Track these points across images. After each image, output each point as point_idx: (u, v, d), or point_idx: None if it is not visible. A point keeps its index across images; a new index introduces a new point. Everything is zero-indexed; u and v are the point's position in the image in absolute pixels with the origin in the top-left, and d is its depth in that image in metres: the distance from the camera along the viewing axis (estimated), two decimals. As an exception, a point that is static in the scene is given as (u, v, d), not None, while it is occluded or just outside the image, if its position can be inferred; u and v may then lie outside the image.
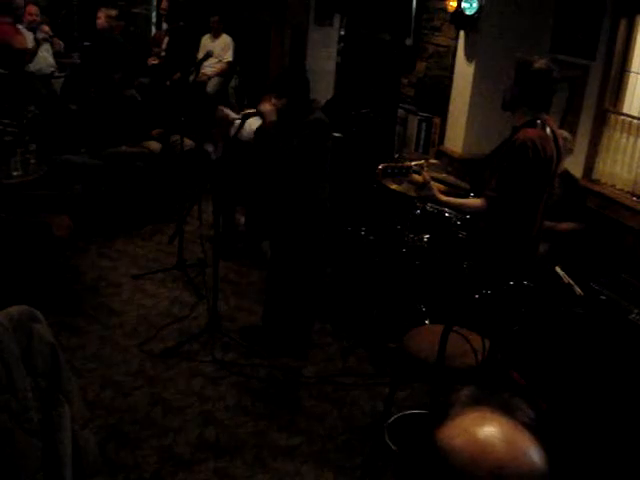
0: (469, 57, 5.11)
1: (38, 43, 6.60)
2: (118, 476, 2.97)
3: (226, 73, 7.90)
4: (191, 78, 6.23)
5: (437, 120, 5.63)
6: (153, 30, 9.90)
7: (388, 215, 4.63)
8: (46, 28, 7.06)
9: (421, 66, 6.03)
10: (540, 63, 3.13)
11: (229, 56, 7.88)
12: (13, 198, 4.42)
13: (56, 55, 7.00)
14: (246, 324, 4.35)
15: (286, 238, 4.00)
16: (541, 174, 3.18)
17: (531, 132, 3.13)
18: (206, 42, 7.87)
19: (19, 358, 2.13)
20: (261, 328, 4.19)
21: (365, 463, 3.16)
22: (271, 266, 4.14)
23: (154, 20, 9.99)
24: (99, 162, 5.48)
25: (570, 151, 4.14)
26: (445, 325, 2.66)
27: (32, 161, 4.67)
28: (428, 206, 4.16)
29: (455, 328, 2.69)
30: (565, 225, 4.07)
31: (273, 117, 3.82)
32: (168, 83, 7.55)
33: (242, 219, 5.62)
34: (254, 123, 4.49)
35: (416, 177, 3.33)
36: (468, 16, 4.90)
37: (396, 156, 5.14)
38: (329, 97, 6.51)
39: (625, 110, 4.35)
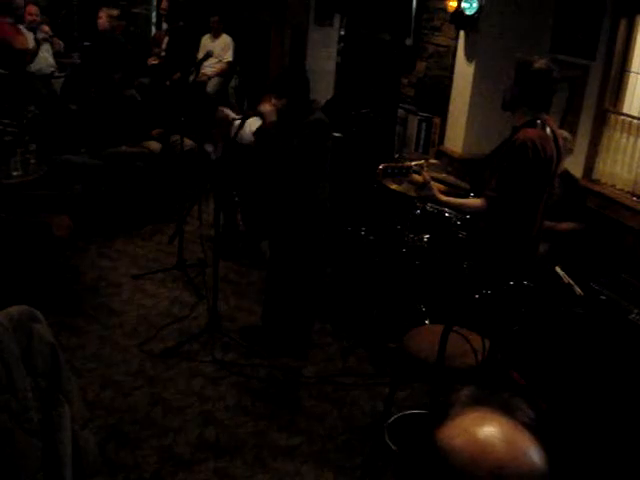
0: (469, 57, 5.11)
1: (38, 43, 6.60)
2: (118, 476, 2.97)
3: (226, 73, 7.90)
4: (191, 78, 6.24)
5: (437, 120, 5.63)
6: (153, 30, 9.90)
7: (388, 215, 4.63)
8: (46, 28, 7.06)
9: (421, 66, 6.03)
10: (540, 63, 3.14)
11: (229, 56, 7.88)
12: (13, 198, 4.42)
13: (56, 55, 7.00)
14: (246, 324, 4.35)
15: (286, 238, 4.00)
16: (541, 174, 3.18)
17: (531, 132, 3.13)
18: (206, 42, 7.87)
19: (19, 358, 2.13)
20: (261, 328, 4.19)
21: (365, 463, 3.16)
22: (270, 266, 4.14)
23: (154, 20, 9.99)
24: (99, 162, 5.48)
25: (570, 151, 4.14)
26: (445, 325, 2.66)
27: (32, 161, 4.67)
28: (428, 206, 4.16)
29: (455, 328, 2.69)
30: (565, 225, 4.07)
31: (273, 117, 3.82)
32: (168, 83, 7.54)
33: (239, 217, 5.62)
34: (254, 123, 4.49)
35: (416, 177, 3.33)
36: (468, 16, 4.90)
37: (396, 156, 5.14)
38: (329, 97, 6.51)
39: (625, 110, 4.35)
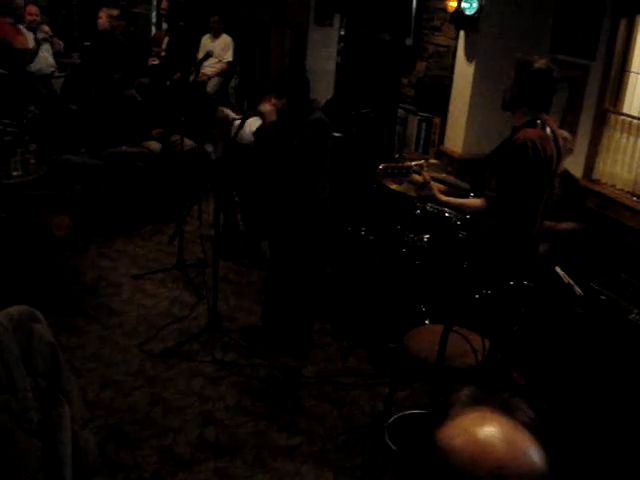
0: (469, 57, 5.11)
1: (38, 43, 6.61)
2: (118, 476, 2.97)
3: (226, 73, 7.90)
4: (191, 78, 6.23)
5: (437, 120, 5.63)
6: (153, 30, 9.91)
7: (388, 215, 4.63)
8: (46, 28, 7.06)
9: (421, 66, 6.03)
10: (540, 63, 3.14)
11: (229, 56, 7.88)
12: (13, 198, 4.42)
13: (56, 55, 7.00)
14: (246, 324, 4.35)
15: (286, 238, 4.00)
16: (541, 174, 3.18)
17: (531, 132, 3.13)
18: (206, 42, 7.87)
19: (19, 358, 2.13)
20: (261, 328, 4.19)
21: (365, 463, 3.16)
22: (270, 266, 4.14)
23: (154, 20, 9.99)
24: (99, 162, 5.48)
25: (570, 151, 4.14)
26: (445, 325, 2.66)
27: (32, 161, 4.67)
28: (428, 206, 4.16)
29: (455, 328, 2.69)
30: (565, 225, 4.07)
31: (273, 117, 3.82)
32: (168, 83, 7.54)
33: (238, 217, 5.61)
34: (254, 123, 4.49)
35: (416, 177, 3.33)
36: (468, 16, 4.90)
37: (396, 156, 5.15)
38: (329, 97, 6.51)
39: (625, 110, 4.35)
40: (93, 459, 2.41)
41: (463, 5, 4.89)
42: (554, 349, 3.04)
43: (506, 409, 0.92)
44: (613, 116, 4.41)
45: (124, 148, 5.68)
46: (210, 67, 7.65)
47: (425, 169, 3.36)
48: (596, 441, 2.79)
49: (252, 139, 4.65)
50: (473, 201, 3.43)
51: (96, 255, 5.15)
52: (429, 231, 4.18)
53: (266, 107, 3.85)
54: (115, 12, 7.10)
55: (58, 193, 4.90)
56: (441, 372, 2.68)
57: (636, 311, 3.03)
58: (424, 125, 5.72)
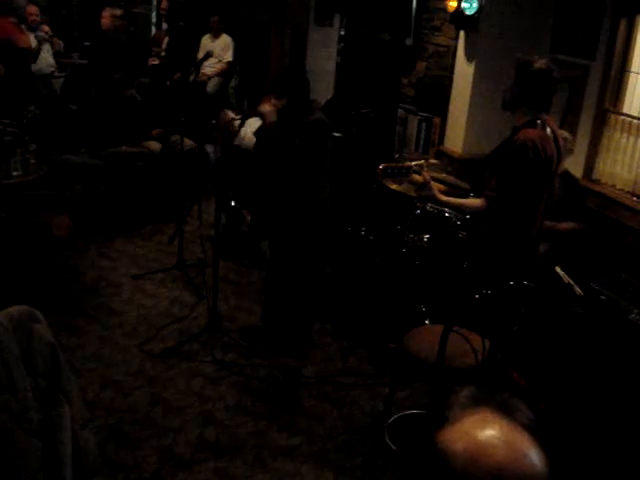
0: (469, 57, 5.11)
1: (39, 43, 6.61)
2: (118, 476, 2.97)
3: (226, 73, 7.91)
4: (191, 78, 6.24)
5: (437, 120, 5.63)
6: (153, 30, 9.91)
7: (388, 215, 4.63)
8: (46, 28, 7.07)
9: (421, 66, 6.03)
10: (540, 63, 3.14)
11: (229, 56, 7.89)
12: (13, 198, 4.42)
13: (56, 55, 7.01)
14: (246, 324, 4.35)
15: (286, 238, 4.00)
16: (541, 174, 3.18)
17: (531, 132, 3.13)
18: (206, 42, 7.87)
19: (19, 358, 2.13)
20: (261, 328, 4.19)
21: (365, 463, 3.16)
22: (270, 266, 4.14)
23: (154, 20, 10.00)
24: (99, 162, 5.48)
25: (570, 151, 4.14)
26: (445, 325, 2.66)
27: (32, 161, 4.67)
28: (428, 206, 4.16)
29: (455, 328, 2.69)
30: (565, 225, 4.07)
31: (273, 117, 3.82)
32: (168, 83, 7.55)
33: (248, 218, 5.60)
34: (254, 123, 4.49)
35: (416, 177, 3.33)
36: (468, 16, 4.90)
37: (396, 156, 5.15)
38: (329, 97, 6.51)
39: (625, 110, 4.35)
40: (93, 459, 2.42)
41: (463, 5, 4.89)
42: (554, 349, 3.04)
43: (506, 410, 0.92)
44: (613, 116, 4.41)
45: (124, 148, 5.68)
46: (210, 67, 7.65)
47: (425, 169, 3.36)
48: (596, 441, 2.79)
49: (252, 144, 4.65)
50: (473, 201, 3.43)
51: (96, 255, 5.15)
52: (429, 231, 4.18)
53: (266, 107, 3.85)
54: (119, 12, 7.11)
55: (58, 193, 4.90)
56: (441, 372, 2.68)
57: (636, 311, 3.03)
58: (424, 125, 5.72)
